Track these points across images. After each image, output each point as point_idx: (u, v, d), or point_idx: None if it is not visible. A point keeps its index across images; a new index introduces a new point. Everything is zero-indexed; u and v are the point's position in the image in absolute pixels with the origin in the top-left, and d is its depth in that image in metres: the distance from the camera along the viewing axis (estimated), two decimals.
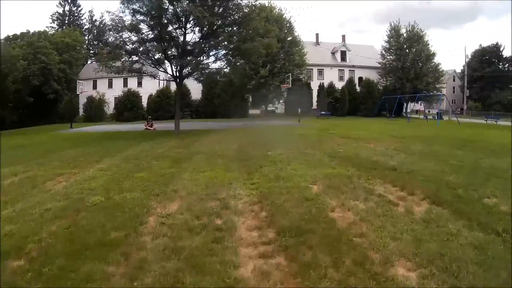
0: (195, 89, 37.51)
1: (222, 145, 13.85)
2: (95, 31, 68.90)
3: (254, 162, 9.50)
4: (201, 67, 20.15)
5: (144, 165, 9.63)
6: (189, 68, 19.87)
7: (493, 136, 19.31)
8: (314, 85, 42.83)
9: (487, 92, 57.70)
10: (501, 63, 60.80)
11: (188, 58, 18.98)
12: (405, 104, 43.36)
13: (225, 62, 22.79)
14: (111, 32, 19.41)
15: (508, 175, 8.21)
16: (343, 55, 49.42)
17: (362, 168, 8.51)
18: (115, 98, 43.38)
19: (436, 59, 43.00)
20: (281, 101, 43.32)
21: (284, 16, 38.67)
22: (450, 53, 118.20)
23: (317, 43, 51.40)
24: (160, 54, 20.05)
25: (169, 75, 22.80)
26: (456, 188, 6.74)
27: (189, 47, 19.56)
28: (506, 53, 60.73)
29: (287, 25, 38.84)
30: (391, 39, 43.67)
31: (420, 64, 41.33)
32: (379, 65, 44.79)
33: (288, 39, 38.25)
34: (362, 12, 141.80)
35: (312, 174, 7.84)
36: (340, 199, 5.97)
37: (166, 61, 20.70)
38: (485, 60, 60.12)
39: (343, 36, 53.38)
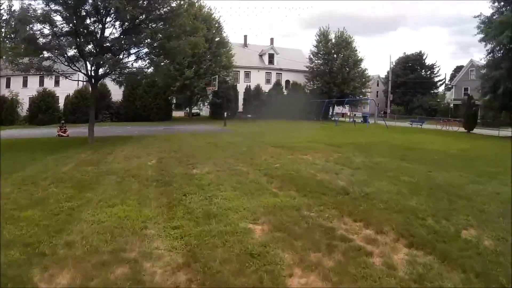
0: (116, 90, 34.46)
1: (139, 160, 11.70)
2: (12, 23, 60.71)
3: (177, 187, 7.71)
4: (120, 66, 17.93)
5: (39, 194, 7.18)
6: (106, 67, 17.94)
7: (427, 142, 19.83)
8: (241, 88, 42.20)
9: (409, 96, 62.21)
10: (423, 70, 66.05)
11: (106, 56, 17.30)
12: (331, 107, 44.59)
13: (148, 61, 20.80)
14: (19, 23, 16.41)
15: (466, 193, 7.83)
16: (271, 58, 49.76)
17: (309, 193, 7.26)
18: (29, 98, 38.81)
19: (363, 65, 45.26)
20: (206, 104, 42.02)
21: (213, 16, 37.52)
22: (374, 60, 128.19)
23: (245, 45, 51.24)
24: (74, 51, 17.56)
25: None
26: (424, 217, 6.01)
27: (107, 44, 17.68)
28: (428, 61, 66.56)
29: (216, 25, 37.73)
30: (320, 44, 44.96)
31: (348, 69, 42.85)
32: (307, 69, 45.60)
33: (216, 39, 37.27)
34: (289, 17, 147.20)
35: (251, 206, 6.31)
36: (297, 252, 4.48)
37: (82, 59, 18.19)
38: (409, 67, 65.07)
39: (272, 39, 53.70)
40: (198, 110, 44.76)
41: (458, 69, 76.27)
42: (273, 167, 10.20)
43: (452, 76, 76.00)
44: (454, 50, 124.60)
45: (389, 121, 43.34)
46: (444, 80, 71.39)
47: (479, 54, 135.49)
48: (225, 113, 32.01)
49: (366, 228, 5.45)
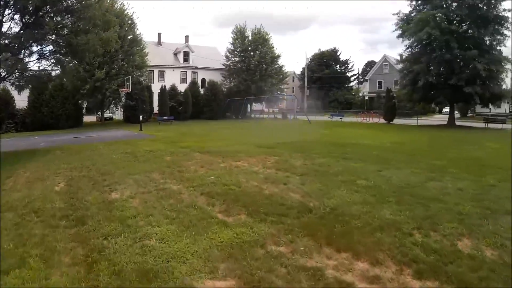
0: (21, 95, 29.78)
1: (44, 184, 9.15)
2: None
3: (94, 226, 5.72)
4: (20, 67, 16.05)
5: None
6: (4, 69, 16.43)
7: (356, 136, 20.06)
8: (155, 88, 40.03)
9: (325, 91, 65.50)
10: (338, 65, 70.24)
11: (3, 55, 15.62)
12: (249, 105, 44.58)
13: (53, 61, 18.24)
14: None
15: (432, 194, 7.55)
16: (186, 56, 48.18)
17: (265, 217, 5.98)
18: None
19: (280, 61, 45.94)
20: (119, 107, 39.22)
21: (126, 12, 34.79)
22: (288, 57, 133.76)
23: (159, 43, 49.17)
24: None
25: None
26: (410, 232, 5.40)
27: (6, 41, 15.96)
28: (342, 57, 71.36)
29: (129, 22, 35.08)
30: (237, 41, 44.61)
31: (265, 65, 42.93)
32: (223, 67, 45.03)
33: (129, 37, 34.67)
34: (202, 16, 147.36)
35: (200, 249, 4.68)
36: None
37: None
38: (324, 62, 68.79)
39: (186, 37, 51.73)
40: (111, 114, 42.51)
41: (369, 64, 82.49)
42: (208, 182, 8.68)
43: (364, 71, 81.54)
44: (363, 47, 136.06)
45: (308, 116, 44.65)
46: (358, 75, 75.89)
47: (387, 50, 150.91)
48: (141, 116, 29.76)
49: (357, 260, 4.41)
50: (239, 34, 44.26)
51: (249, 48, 43.60)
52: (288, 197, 7.25)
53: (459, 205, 6.66)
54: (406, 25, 30.14)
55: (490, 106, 34.20)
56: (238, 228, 5.46)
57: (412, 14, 30.94)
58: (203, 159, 12.25)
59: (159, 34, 50.07)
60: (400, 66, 34.95)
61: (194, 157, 12.60)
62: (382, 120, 36.61)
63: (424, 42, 29.42)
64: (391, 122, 35.18)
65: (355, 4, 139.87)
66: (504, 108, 41.86)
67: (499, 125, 29.79)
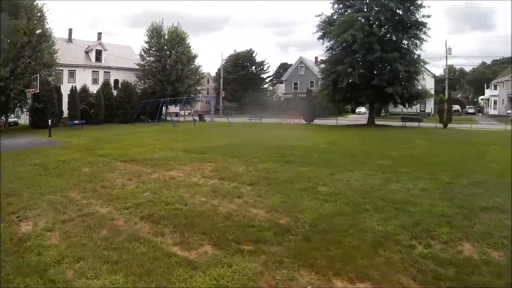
0: None
1: None
2: None
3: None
4: None
5: None
6: None
7: (285, 137, 19.65)
8: (65, 90, 36.33)
9: (240, 92, 66.02)
10: (253, 67, 71.15)
11: None
12: (164, 107, 42.74)
13: None
14: None
15: (401, 197, 7.32)
16: (99, 54, 44.36)
17: (238, 246, 4.86)
18: None
19: (197, 62, 44.69)
20: (25, 110, 34.97)
21: (36, 3, 30.81)
22: (202, 58, 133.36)
23: (70, 40, 44.74)
24: None
25: None
26: (411, 244, 4.92)
27: None
28: (258, 58, 72.06)
29: (38, 14, 31.13)
30: (152, 40, 42.22)
31: (181, 66, 41.38)
32: (138, 67, 42.64)
33: (37, 31, 30.70)
34: (115, 15, 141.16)
35: None
36: None
37: None
38: (239, 64, 69.21)
39: (99, 34, 47.48)
40: (16, 119, 37.75)
41: (282, 66, 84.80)
42: (144, 200, 7.15)
43: (277, 73, 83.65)
44: (275, 49, 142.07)
45: (222, 117, 44.34)
46: (272, 77, 77.58)
47: (297, 53, 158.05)
48: (50, 121, 26.43)
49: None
50: (155, 32, 42.04)
51: (165, 48, 41.71)
52: (251, 215, 6.17)
53: (435, 206, 6.55)
54: (330, 27, 31.14)
55: (402, 106, 36.84)
56: (211, 269, 4.17)
57: (334, 17, 32.27)
58: (128, 169, 10.61)
59: (70, 30, 45.53)
60: (320, 67, 36.27)
61: (117, 167, 10.88)
62: (303, 121, 37.31)
63: (346, 44, 30.68)
64: (311, 123, 36.04)
65: (266, 6, 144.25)
66: (415, 107, 45.26)
67: (416, 124, 32.35)
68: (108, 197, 7.46)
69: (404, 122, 33.28)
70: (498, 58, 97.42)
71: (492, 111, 60.95)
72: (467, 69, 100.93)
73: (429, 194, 7.48)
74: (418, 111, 49.56)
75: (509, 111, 50.32)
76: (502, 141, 18.27)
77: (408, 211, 6.26)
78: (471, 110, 66.63)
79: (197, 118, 42.43)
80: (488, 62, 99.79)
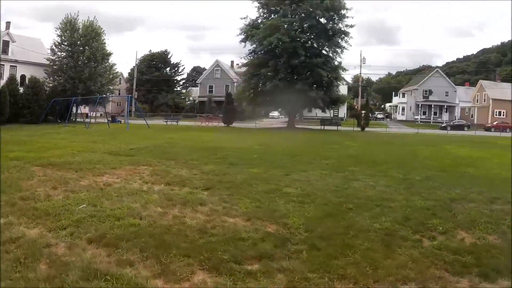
0: None
1: None
2: None
3: None
4: None
5: None
6: None
7: (212, 140, 19.03)
8: None
9: (153, 94, 63.67)
10: (168, 68, 69.18)
11: None
12: (75, 107, 39.35)
13: None
14: None
15: (375, 193, 7.33)
16: (5, 46, 38.80)
17: (241, 268, 3.80)
18: None
19: (111, 60, 41.49)
20: None
21: None
22: (116, 58, 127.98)
23: None
24: None
25: None
26: (418, 239, 4.77)
27: None
28: (173, 60, 70.02)
29: None
30: (65, 33, 38.00)
31: (95, 63, 38.35)
32: (48, 62, 38.45)
33: None
34: (22, 8, 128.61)
35: None
36: None
37: None
38: (153, 64, 66.78)
39: (8, 23, 41.49)
40: None
41: (195, 69, 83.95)
42: (83, 215, 5.42)
43: (189, 76, 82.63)
44: (187, 52, 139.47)
45: (136, 119, 42.55)
46: (186, 80, 76.50)
47: (209, 57, 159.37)
48: None
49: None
50: (69, 25, 37.98)
51: (79, 43, 38.05)
52: (230, 226, 5.17)
53: (409, 200, 6.74)
54: (255, 30, 31.33)
55: (321, 110, 38.41)
56: None
57: (259, 21, 32.56)
58: (49, 175, 8.73)
59: None
60: (238, 71, 36.51)
61: (34, 173, 8.88)
62: (221, 124, 37.03)
63: (270, 47, 31.14)
64: (230, 125, 35.95)
65: (180, 9, 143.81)
66: (330, 112, 47.48)
67: (334, 127, 34.23)
68: (33, 212, 5.58)
69: (323, 126, 34.84)
70: (402, 70, 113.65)
71: (400, 117, 67.43)
72: (374, 78, 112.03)
73: (395, 190, 7.57)
74: (332, 115, 52.05)
75: (416, 117, 56.24)
76: (424, 142, 20.34)
77: (389, 207, 6.20)
78: (380, 116, 72.80)
79: (110, 119, 39.96)
80: (393, 72, 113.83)
